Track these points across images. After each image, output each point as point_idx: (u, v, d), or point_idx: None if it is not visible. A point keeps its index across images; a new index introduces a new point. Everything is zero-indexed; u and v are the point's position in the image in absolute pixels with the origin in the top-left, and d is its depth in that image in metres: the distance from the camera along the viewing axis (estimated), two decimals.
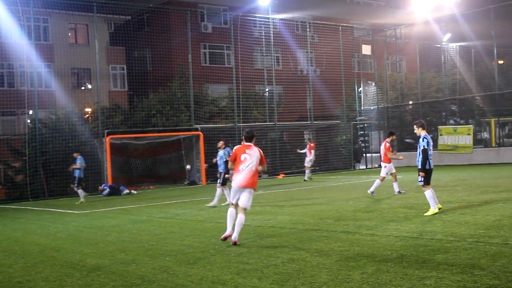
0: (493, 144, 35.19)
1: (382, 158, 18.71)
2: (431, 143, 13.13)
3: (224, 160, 18.29)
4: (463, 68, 45.28)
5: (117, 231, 13.90)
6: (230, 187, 11.83)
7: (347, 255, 8.80)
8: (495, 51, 38.43)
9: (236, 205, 10.94)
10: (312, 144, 29.41)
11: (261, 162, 11.06)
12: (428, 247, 9.03)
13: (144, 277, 8.37)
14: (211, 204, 18.34)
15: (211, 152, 27.76)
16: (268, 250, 9.71)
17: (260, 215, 15.19)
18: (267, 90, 39.05)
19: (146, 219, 16.54)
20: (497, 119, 37.68)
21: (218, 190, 18.49)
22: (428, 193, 12.98)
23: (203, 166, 30.53)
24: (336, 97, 41.34)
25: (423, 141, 12.98)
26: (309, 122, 39.16)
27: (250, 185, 10.81)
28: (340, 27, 42.02)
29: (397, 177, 18.89)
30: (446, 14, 42.89)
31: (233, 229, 10.66)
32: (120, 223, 15.83)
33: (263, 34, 38.71)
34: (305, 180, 29.08)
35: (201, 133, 32.47)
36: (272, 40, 38.25)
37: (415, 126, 13.44)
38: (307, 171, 29.67)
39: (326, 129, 40.48)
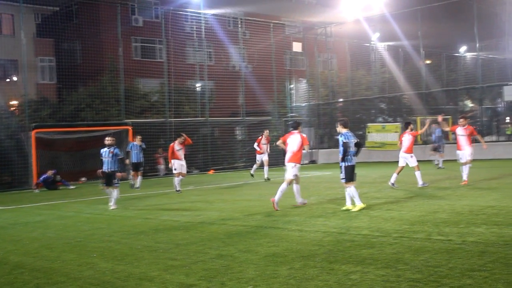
0: (420, 142, 36.01)
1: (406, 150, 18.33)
2: (352, 141, 13.32)
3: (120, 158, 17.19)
4: (392, 67, 46.24)
5: (43, 227, 13.57)
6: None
7: (275, 251, 8.83)
8: (422, 51, 39.48)
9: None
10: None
11: (303, 144, 14.36)
12: (355, 242, 9.14)
13: (69, 274, 8.19)
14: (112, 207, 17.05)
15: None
16: (196, 246, 9.66)
17: (190, 211, 15.13)
18: (199, 85, 38.88)
19: (74, 215, 16.21)
20: (423, 117, 38.66)
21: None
22: (352, 190, 13.21)
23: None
24: (267, 93, 41.53)
25: (341, 137, 13.30)
26: (240, 118, 39.21)
27: (293, 160, 14.30)
28: (272, 24, 42.21)
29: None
30: (375, 14, 43.71)
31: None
32: (46, 219, 15.46)
33: (195, 29, 38.49)
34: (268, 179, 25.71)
35: (131, 128, 32.04)
36: (204, 35, 38.09)
37: (337, 123, 13.68)
38: (266, 168, 25.80)
39: (257, 125, 40.56)
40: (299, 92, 45.57)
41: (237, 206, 15.49)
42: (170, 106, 35.44)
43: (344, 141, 13.17)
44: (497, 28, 42.56)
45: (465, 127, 17.70)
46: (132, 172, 24.78)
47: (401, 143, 18.45)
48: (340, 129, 13.49)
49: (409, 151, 18.16)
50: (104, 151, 16.86)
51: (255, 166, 26.02)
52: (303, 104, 44.56)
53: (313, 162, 40.51)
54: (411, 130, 18.51)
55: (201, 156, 35.13)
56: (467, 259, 7.52)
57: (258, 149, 25.30)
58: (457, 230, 9.63)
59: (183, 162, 21.53)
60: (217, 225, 12.07)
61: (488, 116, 49.17)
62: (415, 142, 19.31)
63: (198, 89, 38.91)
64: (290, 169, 14.30)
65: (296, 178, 14.47)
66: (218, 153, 37.26)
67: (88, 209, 16.62)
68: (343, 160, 13.23)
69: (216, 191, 21.43)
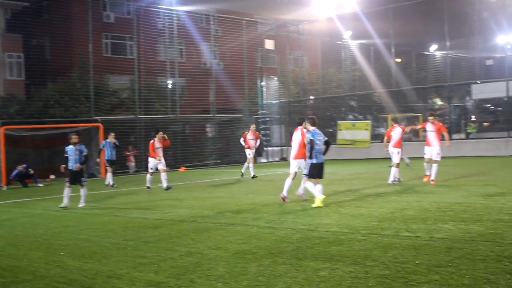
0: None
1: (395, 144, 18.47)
2: (320, 139, 13.42)
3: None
4: (363, 65, 46.50)
5: (9, 226, 13.42)
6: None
7: (244, 248, 8.84)
8: (393, 49, 39.79)
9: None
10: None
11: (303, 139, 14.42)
12: (324, 239, 9.19)
13: (36, 272, 8.12)
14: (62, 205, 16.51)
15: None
16: (165, 244, 9.64)
17: (160, 208, 15.09)
18: (169, 82, 38.69)
19: (41, 212, 16.06)
20: (393, 115, 38.99)
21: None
22: (308, 184, 13.39)
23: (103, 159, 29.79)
24: (239, 90, 41.49)
25: (308, 134, 13.47)
26: (211, 115, 39.11)
27: (298, 157, 14.70)
28: (244, 21, 42.16)
29: None
30: (348, 12, 43.86)
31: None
32: (13, 216, 15.30)
33: (167, 26, 38.27)
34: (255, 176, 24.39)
35: (101, 125, 31.80)
36: (175, 32, 37.90)
37: (306, 121, 13.80)
38: (251, 164, 24.69)
39: (228, 122, 40.59)
40: (270, 90, 45.62)
41: (207, 204, 15.46)
42: (140, 103, 35.22)
43: (311, 138, 13.27)
44: (466, 27, 43.01)
45: (433, 123, 17.81)
46: (109, 169, 24.38)
47: (389, 138, 18.61)
48: (308, 126, 13.60)
49: (398, 145, 18.38)
50: (70, 148, 16.44)
51: (246, 164, 24.79)
52: (274, 102, 44.61)
53: (284, 159, 40.58)
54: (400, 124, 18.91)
55: (171, 153, 34.94)
56: (434, 255, 7.61)
57: (243, 144, 24.57)
58: (424, 227, 9.74)
59: (162, 161, 21.03)
60: (187, 223, 12.03)
61: (456, 114, 49.86)
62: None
63: (169, 86, 38.70)
64: (303, 164, 14.30)
65: (294, 174, 14.83)
66: (188, 150, 37.14)
67: (56, 206, 16.43)
68: (310, 157, 13.31)
69: (187, 188, 21.35)
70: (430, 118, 17.96)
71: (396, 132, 18.52)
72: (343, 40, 46.16)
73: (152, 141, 21.06)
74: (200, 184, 23.16)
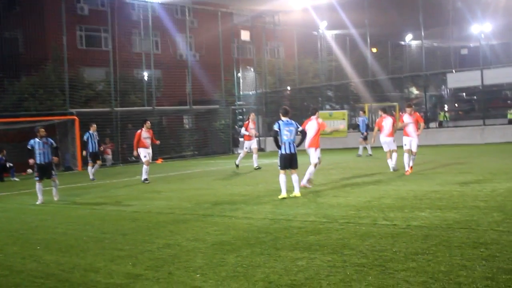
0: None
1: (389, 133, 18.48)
2: (290, 129, 13.34)
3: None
4: (339, 55, 46.63)
5: None
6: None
7: (222, 239, 8.84)
8: (369, 40, 39.96)
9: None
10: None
11: (320, 129, 15.13)
12: (302, 229, 9.22)
13: (12, 267, 8.04)
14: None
15: None
16: (143, 236, 9.60)
17: (137, 200, 15.03)
18: (145, 74, 38.46)
19: (18, 207, 15.92)
20: (370, 104, 39.19)
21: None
22: (280, 177, 13.35)
23: (79, 152, 29.52)
24: (215, 82, 41.38)
25: (274, 124, 13.55)
26: (188, 107, 38.97)
27: (313, 145, 15.12)
28: (220, 13, 41.98)
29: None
30: (323, 2, 43.81)
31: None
32: None
33: (142, 17, 37.98)
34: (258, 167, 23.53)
35: (76, 118, 31.53)
36: (151, 24, 37.64)
37: (280, 111, 13.86)
38: (255, 156, 23.83)
39: (205, 114, 40.49)
40: (247, 81, 45.57)
41: (185, 195, 15.43)
42: (116, 95, 34.98)
43: (275, 129, 13.41)
44: (441, 16, 43.25)
45: (411, 114, 17.77)
46: (90, 163, 23.74)
47: (381, 127, 18.62)
48: (280, 116, 13.65)
49: (392, 134, 18.45)
50: (37, 142, 15.98)
51: (242, 155, 24.02)
52: (251, 93, 44.60)
53: (261, 150, 40.55)
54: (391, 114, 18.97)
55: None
56: (411, 243, 7.67)
57: (246, 133, 23.36)
58: (401, 215, 9.81)
59: (150, 151, 20.75)
60: (165, 215, 12.01)
61: (432, 103, 50.25)
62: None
63: (144, 78, 38.47)
64: (313, 153, 15.09)
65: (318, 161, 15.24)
66: (166, 142, 36.96)
67: (33, 201, 16.23)
68: (279, 148, 13.40)
69: (164, 180, 21.27)
70: (408, 109, 17.92)
71: (387, 122, 18.56)
72: (319, 30, 46.26)
73: (139, 131, 20.65)
74: (178, 176, 23.09)
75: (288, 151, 13.33)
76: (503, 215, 9.25)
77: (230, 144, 40.54)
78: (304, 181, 14.79)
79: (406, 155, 17.56)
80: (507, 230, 8.15)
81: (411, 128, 17.65)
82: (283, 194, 13.22)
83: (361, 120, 29.30)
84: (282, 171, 13.39)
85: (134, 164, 25.98)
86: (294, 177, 13.42)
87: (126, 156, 33.89)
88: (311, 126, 15.19)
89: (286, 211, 11.19)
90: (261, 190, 15.25)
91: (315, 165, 15.14)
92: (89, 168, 23.64)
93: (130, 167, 30.20)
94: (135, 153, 20.82)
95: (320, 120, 15.36)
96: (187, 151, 38.81)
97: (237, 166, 23.51)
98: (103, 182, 22.40)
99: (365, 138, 27.68)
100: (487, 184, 13.42)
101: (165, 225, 10.58)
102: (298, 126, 13.74)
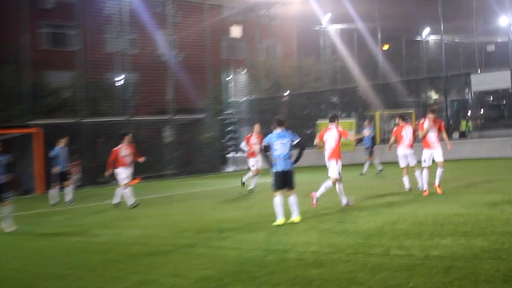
0: (378, 141, 36.37)
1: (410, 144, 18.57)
2: (283, 142, 13.30)
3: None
4: (345, 54, 46.62)
5: None
6: None
7: (208, 274, 8.79)
8: (380, 35, 39.99)
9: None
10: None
11: (341, 137, 15.58)
12: (301, 261, 9.17)
13: None
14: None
15: None
16: (114, 272, 9.54)
17: (107, 229, 14.98)
18: (120, 78, 38.43)
19: None
20: (381, 112, 39.22)
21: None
22: (275, 200, 13.31)
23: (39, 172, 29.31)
24: (201, 87, 41.29)
25: (265, 138, 13.68)
26: (169, 117, 38.91)
27: (334, 157, 15.55)
28: (206, 5, 41.99)
29: None
30: None
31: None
32: None
33: (116, 11, 37.97)
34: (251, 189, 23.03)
35: (37, 131, 31.40)
36: (126, 20, 37.64)
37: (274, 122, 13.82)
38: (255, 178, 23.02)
39: (189, 125, 40.38)
40: (238, 85, 45.60)
41: (164, 222, 15.38)
42: (85, 103, 34.90)
43: (265, 144, 13.52)
44: (464, 7, 43.37)
45: (435, 121, 17.40)
46: (54, 186, 23.43)
47: (400, 137, 18.58)
48: (273, 127, 13.62)
49: (412, 146, 18.52)
50: None
51: (249, 174, 23.12)
52: (243, 99, 44.59)
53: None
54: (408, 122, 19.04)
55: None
56: (430, 276, 7.60)
57: (246, 149, 22.90)
58: (419, 243, 9.74)
59: (131, 170, 20.44)
60: (140, 246, 11.97)
61: (454, 109, 50.27)
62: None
63: (119, 83, 38.42)
64: (334, 166, 15.47)
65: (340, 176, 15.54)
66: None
67: None
68: (270, 166, 13.45)
69: (140, 204, 21.07)
70: (431, 115, 17.27)
71: (407, 131, 18.56)
72: (322, 25, 46.27)
73: (117, 148, 20.17)
74: (156, 199, 23.03)
75: (281, 168, 13.26)
76: None
77: (219, 161, 40.48)
78: (317, 194, 15.31)
79: (425, 172, 17.24)
80: None
81: (433, 137, 17.18)
82: (279, 219, 13.14)
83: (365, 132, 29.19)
84: (276, 193, 13.32)
85: (105, 186, 25.62)
86: (292, 199, 13.35)
87: (96, 176, 33.74)
88: (331, 135, 15.58)
89: (283, 240, 11.14)
90: (254, 215, 15.21)
91: (335, 182, 15.44)
92: (52, 191, 23.41)
93: (99, 189, 30.09)
94: (107, 173, 20.47)
95: (341, 128, 15.62)
96: (167, 169, 38.66)
97: (243, 184, 22.85)
98: (66, 208, 22.24)
99: (371, 154, 27.59)
100: None
101: (140, 258, 10.52)
102: (295, 137, 13.58)
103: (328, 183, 15.39)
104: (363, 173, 27.29)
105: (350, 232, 11.45)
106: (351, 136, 17.23)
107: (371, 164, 27.68)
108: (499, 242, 9.35)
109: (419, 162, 17.97)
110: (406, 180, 18.34)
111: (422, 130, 17.28)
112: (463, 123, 46.55)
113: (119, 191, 20.33)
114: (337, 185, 15.50)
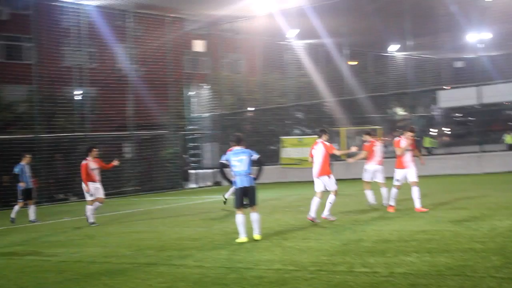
0: (343, 157, 36.51)
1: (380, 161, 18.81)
2: (241, 159, 13.35)
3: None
4: (311, 69, 46.77)
5: None
6: None
7: None
8: (346, 51, 40.27)
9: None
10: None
11: (328, 153, 15.80)
12: (264, 279, 9.19)
13: None
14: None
15: (7, 170, 26.78)
16: None
17: (65, 247, 14.83)
18: (78, 92, 38.17)
19: None
20: (347, 128, 39.46)
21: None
22: (237, 217, 13.38)
23: None
24: (162, 102, 41.15)
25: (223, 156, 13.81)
26: (129, 133, 38.73)
27: (324, 173, 15.82)
28: (168, 19, 41.96)
29: None
30: (292, 7, 43.98)
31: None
32: None
33: (74, 24, 37.75)
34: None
35: None
36: (85, 32, 37.45)
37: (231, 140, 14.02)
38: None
39: (150, 140, 40.20)
40: (201, 100, 45.52)
41: (124, 240, 15.31)
42: (41, 118, 34.62)
43: (222, 161, 13.72)
44: (432, 23, 43.87)
45: (410, 139, 17.31)
46: (20, 203, 23.18)
47: (372, 153, 18.71)
48: (232, 145, 13.77)
49: (381, 162, 18.75)
50: None
51: (231, 189, 23.38)
52: (205, 115, 44.52)
53: (217, 184, 40.36)
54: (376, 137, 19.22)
55: (80, 179, 34.44)
56: None
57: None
58: (384, 260, 9.83)
59: (99, 185, 20.24)
60: (98, 264, 11.87)
61: (421, 125, 50.66)
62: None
63: (77, 97, 38.17)
64: (329, 181, 15.84)
65: (320, 192, 15.90)
66: (101, 175, 36.57)
67: None
68: (230, 183, 13.66)
69: (99, 222, 20.93)
70: (410, 134, 17.25)
71: (378, 148, 18.79)
72: (287, 40, 46.42)
73: (84, 162, 20.04)
74: (116, 217, 22.88)
75: (242, 185, 13.34)
76: (503, 259, 9.28)
77: (181, 177, 40.35)
78: (325, 213, 15.73)
79: (395, 191, 17.28)
80: (508, 276, 8.17)
81: (408, 157, 17.21)
82: (242, 237, 13.20)
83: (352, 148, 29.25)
84: (238, 211, 13.38)
85: (62, 203, 25.63)
86: (254, 216, 13.38)
87: (52, 193, 33.45)
88: (318, 151, 15.89)
89: (245, 258, 11.14)
90: (216, 233, 15.20)
91: (336, 193, 15.96)
92: (16, 207, 23.24)
93: (57, 207, 29.82)
94: (87, 188, 20.09)
95: (328, 143, 15.78)
96: (127, 186, 38.47)
97: (225, 201, 22.01)
98: (23, 225, 22.05)
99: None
100: (485, 222, 13.48)
101: (99, 277, 10.44)
102: (253, 154, 13.59)
103: (331, 197, 15.78)
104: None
105: (314, 249, 11.48)
106: (337, 151, 17.08)
107: None
108: (463, 259, 9.47)
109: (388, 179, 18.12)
110: (370, 194, 18.59)
111: (398, 147, 17.24)
112: (426, 139, 46.93)
113: (95, 207, 20.14)
114: (315, 198, 15.77)
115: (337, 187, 16.01)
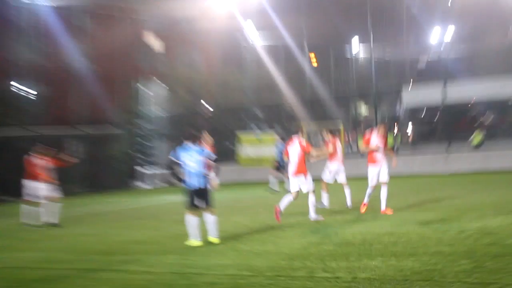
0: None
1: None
2: (190, 157, 12.99)
3: None
4: (271, 69, 46.86)
5: None
6: None
7: None
8: (308, 51, 40.31)
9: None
10: None
11: (304, 152, 15.59)
12: (217, 285, 9.11)
13: None
14: None
15: None
16: None
17: (4, 252, 14.35)
18: (22, 88, 37.66)
19: None
20: (306, 125, 39.35)
21: None
22: (186, 219, 13.03)
23: None
24: (113, 99, 40.83)
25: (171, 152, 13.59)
26: (76, 130, 38.33)
27: (301, 172, 15.60)
28: (124, 16, 41.63)
29: None
30: (252, 5, 44.04)
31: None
32: None
33: (23, 18, 37.32)
34: None
35: None
36: (33, 27, 36.97)
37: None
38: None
39: (98, 138, 39.96)
40: (157, 99, 45.21)
41: (66, 244, 15.00)
42: None
43: (171, 158, 13.26)
44: (395, 23, 44.24)
45: (382, 135, 17.07)
46: None
47: (335, 152, 18.50)
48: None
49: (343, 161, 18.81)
50: None
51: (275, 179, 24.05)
52: (159, 113, 44.18)
53: (171, 184, 39.97)
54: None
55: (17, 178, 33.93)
56: None
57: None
58: (346, 265, 9.76)
59: (43, 185, 19.62)
60: (37, 270, 11.53)
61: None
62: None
63: (21, 93, 37.62)
64: (305, 181, 15.61)
65: (296, 193, 15.81)
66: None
67: None
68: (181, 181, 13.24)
69: (39, 224, 20.36)
70: (382, 129, 17.20)
71: (339, 147, 18.85)
72: (247, 39, 46.45)
73: (29, 158, 19.73)
74: (61, 219, 22.26)
75: (194, 185, 12.95)
76: (473, 262, 9.25)
77: (129, 177, 40.00)
78: (313, 215, 15.60)
79: (370, 190, 16.98)
80: (479, 281, 8.13)
81: (380, 154, 16.92)
82: (193, 240, 12.85)
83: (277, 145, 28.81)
84: (189, 212, 12.97)
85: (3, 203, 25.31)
86: (210, 217, 13.06)
87: None
88: (294, 149, 15.79)
89: (197, 263, 10.97)
90: (166, 235, 14.99)
91: (313, 192, 15.71)
92: None
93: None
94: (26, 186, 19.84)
95: (304, 142, 15.70)
96: (72, 185, 37.84)
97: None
98: None
99: (279, 169, 27.31)
100: (453, 224, 13.47)
101: (37, 285, 10.25)
102: (207, 152, 13.40)
103: (311, 198, 15.58)
104: (274, 191, 27.06)
105: (272, 253, 11.39)
106: (314, 152, 16.62)
107: (281, 182, 27.34)
108: (431, 263, 9.42)
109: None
110: (325, 197, 18.37)
111: (368, 145, 16.96)
112: (390, 139, 47.12)
113: (47, 208, 19.46)
114: (310, 196, 15.63)
115: (314, 187, 15.82)
